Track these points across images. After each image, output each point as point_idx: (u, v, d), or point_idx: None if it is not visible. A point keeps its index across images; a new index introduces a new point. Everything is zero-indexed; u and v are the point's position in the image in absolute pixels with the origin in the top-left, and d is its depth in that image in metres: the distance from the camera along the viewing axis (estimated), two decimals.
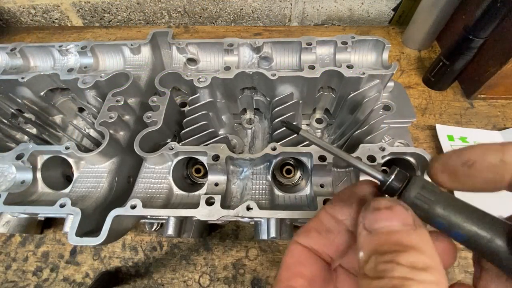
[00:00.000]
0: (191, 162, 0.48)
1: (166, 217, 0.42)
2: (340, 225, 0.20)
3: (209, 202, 0.37)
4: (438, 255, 0.15)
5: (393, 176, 0.18)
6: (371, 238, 0.16)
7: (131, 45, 0.58)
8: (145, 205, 0.38)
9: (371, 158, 0.39)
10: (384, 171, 0.19)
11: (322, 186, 0.41)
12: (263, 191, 0.42)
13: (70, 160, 0.45)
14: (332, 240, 0.20)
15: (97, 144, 0.48)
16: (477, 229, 0.16)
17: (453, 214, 0.17)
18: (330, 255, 0.20)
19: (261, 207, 0.37)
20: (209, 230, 0.56)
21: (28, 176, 0.44)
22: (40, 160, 0.45)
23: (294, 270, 0.19)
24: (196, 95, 0.49)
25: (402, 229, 0.16)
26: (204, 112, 0.47)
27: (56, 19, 0.99)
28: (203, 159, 0.43)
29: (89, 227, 0.38)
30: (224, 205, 0.38)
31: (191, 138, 0.44)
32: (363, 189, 0.20)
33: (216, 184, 0.41)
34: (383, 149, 0.39)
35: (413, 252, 0.15)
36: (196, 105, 0.48)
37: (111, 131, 0.44)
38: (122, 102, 0.47)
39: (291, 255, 0.20)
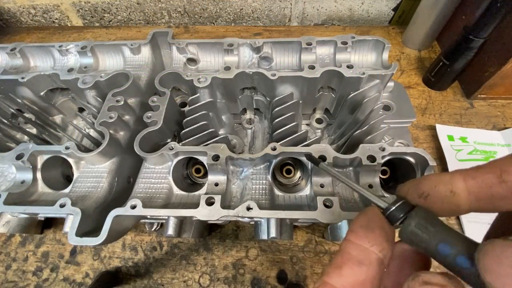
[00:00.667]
0: (191, 162, 0.48)
1: (166, 217, 0.42)
2: (369, 254, 0.17)
3: (209, 202, 0.37)
4: None
5: (394, 207, 0.19)
6: None
7: (131, 45, 0.58)
8: (145, 205, 0.38)
9: (371, 158, 0.39)
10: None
11: (322, 186, 0.41)
12: (263, 191, 0.42)
13: (70, 160, 0.45)
14: (366, 273, 0.17)
15: (97, 144, 0.48)
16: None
17: (455, 243, 0.16)
18: None
19: (261, 207, 0.36)
20: (209, 230, 0.56)
21: (28, 176, 0.44)
22: (40, 160, 0.45)
23: None
24: (196, 95, 0.49)
25: None
26: (204, 112, 0.47)
27: (56, 19, 0.99)
28: (203, 159, 0.43)
29: (89, 227, 0.38)
30: (224, 205, 0.38)
31: (191, 138, 0.44)
32: (377, 213, 0.20)
33: (216, 184, 0.41)
34: (383, 149, 0.39)
35: None
36: (196, 105, 0.48)
37: (111, 131, 0.44)
38: (122, 102, 0.47)
39: None
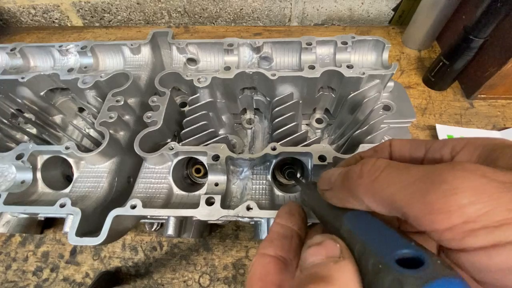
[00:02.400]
0: (191, 162, 0.48)
1: (166, 217, 0.42)
2: (291, 230, 0.24)
3: (209, 202, 0.37)
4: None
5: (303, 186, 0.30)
6: (299, 275, 0.18)
7: (131, 45, 0.58)
8: (145, 205, 0.38)
9: None
10: None
11: None
12: (263, 191, 0.42)
13: (70, 160, 0.45)
14: (290, 243, 0.23)
15: (97, 144, 0.48)
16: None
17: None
18: (291, 259, 0.22)
19: (261, 207, 0.36)
20: (209, 230, 0.56)
21: (28, 176, 0.44)
22: (40, 160, 0.45)
23: (266, 279, 0.21)
24: (196, 95, 0.49)
25: (324, 261, 0.17)
26: (204, 112, 0.47)
27: (56, 19, 0.99)
28: (203, 159, 0.43)
29: (89, 227, 0.38)
30: (224, 205, 0.38)
31: (191, 138, 0.44)
32: (295, 204, 0.27)
33: (216, 184, 0.41)
34: None
35: (323, 284, 0.15)
36: (196, 105, 0.48)
37: (111, 131, 0.44)
38: (122, 102, 0.47)
39: (262, 266, 0.22)
